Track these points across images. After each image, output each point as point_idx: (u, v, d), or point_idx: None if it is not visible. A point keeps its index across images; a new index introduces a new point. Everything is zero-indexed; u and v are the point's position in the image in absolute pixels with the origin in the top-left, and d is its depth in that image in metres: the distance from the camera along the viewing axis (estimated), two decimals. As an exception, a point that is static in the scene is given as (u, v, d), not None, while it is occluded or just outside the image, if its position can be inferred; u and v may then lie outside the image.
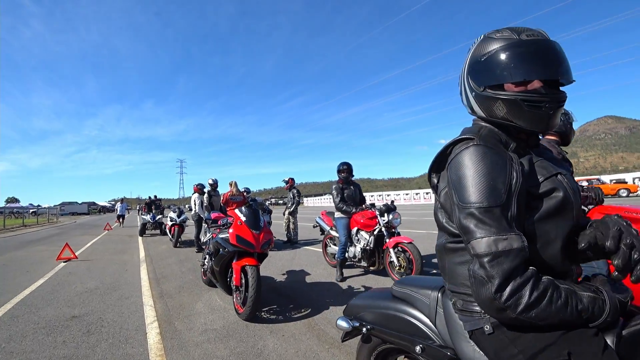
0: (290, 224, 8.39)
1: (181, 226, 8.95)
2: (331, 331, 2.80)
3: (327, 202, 49.92)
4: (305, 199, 57.85)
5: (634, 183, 21.76)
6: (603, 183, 21.89)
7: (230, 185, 7.71)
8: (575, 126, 2.50)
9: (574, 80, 0.93)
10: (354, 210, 4.61)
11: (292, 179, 8.73)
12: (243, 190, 8.37)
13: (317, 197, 59.52)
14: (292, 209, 8.42)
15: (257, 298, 3.01)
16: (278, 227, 9.70)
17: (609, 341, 0.82)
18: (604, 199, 2.53)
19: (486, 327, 0.89)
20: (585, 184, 7.94)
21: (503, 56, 0.90)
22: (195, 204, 8.00)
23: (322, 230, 5.60)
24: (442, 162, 1.00)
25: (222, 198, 7.64)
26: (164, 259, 6.98)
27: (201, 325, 3.05)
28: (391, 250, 4.16)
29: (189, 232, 9.86)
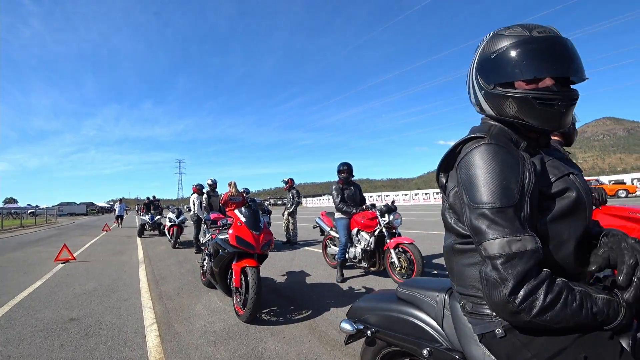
0: (290, 224, 8.35)
1: (180, 227, 8.91)
2: (333, 333, 2.77)
3: (326, 202, 49.91)
4: (304, 200, 57.80)
5: (632, 184, 21.84)
6: (602, 184, 21.93)
7: (230, 185, 7.69)
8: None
9: (587, 78, 0.91)
10: (354, 210, 4.58)
11: (292, 180, 8.70)
12: (242, 190, 8.34)
13: (316, 198, 59.52)
14: (291, 210, 8.39)
15: (257, 300, 2.98)
16: (277, 227, 9.67)
17: (624, 344, 0.80)
18: (607, 199, 2.53)
19: (498, 331, 0.87)
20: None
21: (514, 53, 0.88)
22: (194, 205, 7.97)
23: (322, 231, 5.58)
24: (451, 161, 0.98)
25: (221, 198, 7.61)
26: (162, 260, 6.94)
27: (201, 328, 3.01)
28: (392, 251, 4.13)
29: (188, 233, 9.82)
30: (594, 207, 2.27)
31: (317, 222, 5.68)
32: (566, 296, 0.76)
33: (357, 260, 4.61)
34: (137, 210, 18.61)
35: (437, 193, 33.45)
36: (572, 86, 0.91)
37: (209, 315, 3.33)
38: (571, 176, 0.90)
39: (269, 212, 8.84)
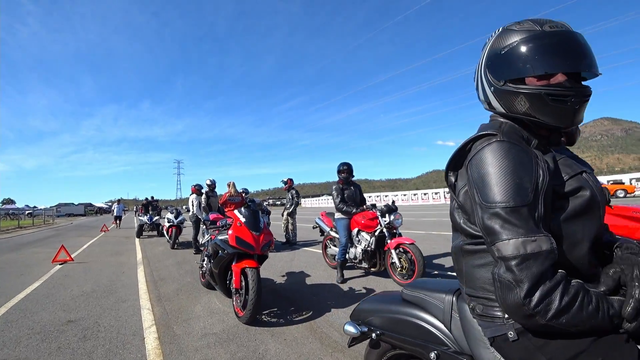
0: (289, 224, 8.32)
1: (179, 227, 8.87)
2: (334, 334, 2.74)
3: (325, 203, 49.90)
4: (303, 200, 57.76)
5: (631, 184, 21.91)
6: (602, 184, 21.98)
7: (229, 185, 7.66)
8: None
9: (600, 74, 0.89)
10: (354, 210, 4.56)
11: (291, 180, 8.68)
12: (241, 191, 8.31)
13: (315, 198, 59.50)
14: (290, 210, 8.36)
15: (257, 301, 2.94)
16: (276, 228, 9.63)
17: (640, 348, 0.78)
18: (611, 200, 2.50)
19: (510, 334, 0.84)
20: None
21: (525, 48, 0.86)
22: (193, 205, 7.94)
23: (322, 231, 5.54)
24: (460, 159, 0.95)
25: (220, 199, 7.57)
26: (161, 260, 6.89)
27: (200, 330, 2.98)
28: (393, 251, 4.10)
29: (187, 234, 9.78)
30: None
31: (316, 223, 5.65)
32: (582, 298, 0.73)
33: (357, 260, 4.58)
34: (135, 211, 18.55)
35: (435, 193, 33.50)
36: (583, 82, 0.89)
37: (209, 317, 3.29)
38: (584, 174, 0.88)
39: (268, 213, 8.81)
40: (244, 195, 8.16)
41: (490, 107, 0.99)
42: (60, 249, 7.08)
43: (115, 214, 18.82)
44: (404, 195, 37.27)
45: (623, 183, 22.22)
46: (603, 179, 23.97)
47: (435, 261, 5.37)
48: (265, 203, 18.10)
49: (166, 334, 2.92)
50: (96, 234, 14.41)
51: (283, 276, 4.95)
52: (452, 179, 0.99)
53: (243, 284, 3.12)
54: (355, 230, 4.60)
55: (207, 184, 8.12)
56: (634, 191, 21.05)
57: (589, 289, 0.77)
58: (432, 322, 1.12)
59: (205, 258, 4.24)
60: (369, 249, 4.41)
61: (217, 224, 3.81)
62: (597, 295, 0.76)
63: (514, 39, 0.88)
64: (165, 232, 9.64)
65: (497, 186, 0.79)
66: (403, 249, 4.09)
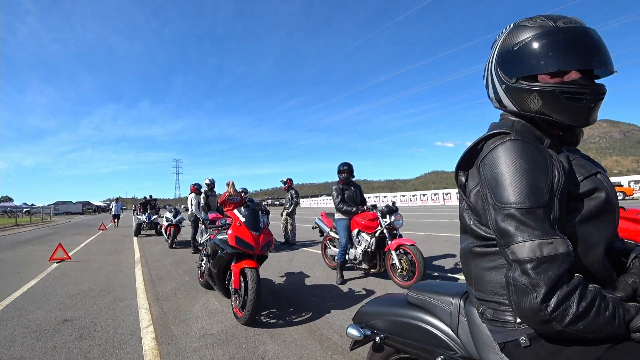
0: (288, 224, 8.29)
1: (177, 227, 8.84)
2: (334, 336, 2.70)
3: (323, 203, 49.87)
4: (301, 200, 57.65)
5: (629, 186, 21.95)
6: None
7: (228, 185, 7.62)
8: None
9: (615, 71, 0.86)
10: (354, 209, 4.53)
11: (291, 180, 8.64)
12: (240, 190, 8.27)
13: (313, 198, 59.43)
14: (290, 210, 8.32)
15: (257, 302, 2.91)
16: (275, 228, 9.59)
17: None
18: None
19: (522, 339, 0.81)
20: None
21: (540, 44, 0.83)
22: (192, 204, 7.90)
23: (322, 232, 5.51)
24: (471, 158, 0.92)
25: (219, 198, 7.53)
26: (159, 260, 6.85)
27: (198, 330, 2.94)
28: (393, 252, 4.07)
29: (185, 233, 9.74)
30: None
31: (316, 223, 5.62)
32: (599, 303, 0.71)
33: (357, 261, 4.55)
34: (133, 210, 18.49)
35: (434, 195, 33.52)
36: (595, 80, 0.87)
37: (207, 317, 3.25)
38: (599, 175, 0.85)
39: (267, 213, 8.78)
40: (243, 195, 8.13)
41: (501, 105, 0.96)
42: (58, 247, 7.03)
43: (113, 213, 18.75)
44: (403, 196, 37.26)
45: (621, 185, 22.26)
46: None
47: (435, 263, 5.34)
48: (264, 203, 18.07)
49: (164, 334, 2.88)
50: (94, 232, 14.34)
51: (282, 276, 4.92)
52: (463, 179, 0.96)
53: (242, 284, 3.08)
54: (355, 231, 4.57)
55: (206, 183, 8.08)
56: (633, 193, 21.09)
57: (606, 294, 0.74)
58: (438, 326, 1.09)
59: (204, 258, 4.20)
60: (369, 249, 4.38)
61: (217, 223, 3.77)
62: (614, 301, 0.73)
63: (527, 35, 0.86)
64: (163, 231, 9.60)
65: (511, 186, 0.76)
66: (404, 250, 4.06)
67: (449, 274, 4.60)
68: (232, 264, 3.20)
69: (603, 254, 0.82)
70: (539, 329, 0.75)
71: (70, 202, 63.03)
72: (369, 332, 1.25)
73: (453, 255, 5.79)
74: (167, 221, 9.07)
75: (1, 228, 18.39)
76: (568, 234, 0.79)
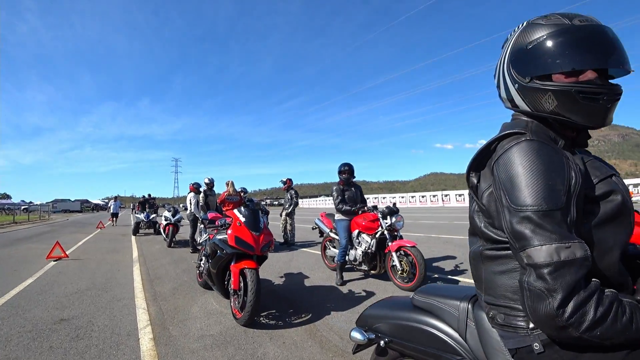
0: (288, 225, 8.26)
1: (176, 226, 8.80)
2: (334, 338, 2.68)
3: (322, 203, 49.82)
4: (300, 200, 57.61)
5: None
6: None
7: (227, 184, 7.59)
8: None
9: (632, 71, 0.84)
10: (354, 208, 4.50)
11: (290, 180, 8.62)
12: (240, 190, 8.24)
13: (312, 199, 59.36)
14: (289, 210, 8.29)
15: (256, 303, 2.87)
16: (274, 228, 9.56)
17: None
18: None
19: (535, 346, 0.78)
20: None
21: (555, 43, 0.81)
22: (191, 204, 7.87)
23: (321, 232, 5.48)
24: (484, 159, 0.89)
25: (219, 198, 7.50)
26: (158, 259, 6.81)
27: (197, 331, 2.91)
28: (394, 254, 4.04)
29: (184, 232, 9.69)
30: None
31: (316, 224, 5.59)
32: (617, 309, 0.68)
33: (357, 262, 4.52)
34: (132, 209, 18.43)
35: (433, 196, 33.52)
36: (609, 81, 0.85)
37: (206, 318, 3.22)
38: (614, 178, 0.83)
39: (267, 212, 8.75)
40: (242, 194, 8.09)
41: (513, 105, 0.94)
42: (55, 245, 6.98)
43: (111, 211, 18.69)
44: (402, 197, 37.23)
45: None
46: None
47: (435, 264, 5.32)
48: (262, 203, 18.04)
49: (162, 334, 2.85)
50: (92, 230, 14.28)
51: (281, 277, 4.89)
52: (474, 180, 0.93)
53: (242, 285, 3.05)
54: (355, 232, 4.54)
55: (205, 183, 8.04)
56: (631, 197, 21.15)
57: (622, 299, 0.71)
58: (445, 331, 1.06)
59: (203, 257, 4.17)
60: (369, 251, 4.35)
61: (216, 222, 3.74)
62: (631, 306, 0.71)
63: (542, 33, 0.83)
64: (162, 230, 9.55)
65: (527, 188, 0.73)
66: (404, 251, 4.04)
67: (450, 276, 4.57)
68: (232, 264, 3.17)
69: (618, 259, 0.79)
70: (555, 335, 0.72)
71: (69, 200, 62.91)
72: (373, 336, 1.22)
73: (453, 257, 5.77)
74: (166, 220, 9.03)
75: (-2, 225, 18.30)
76: (584, 238, 0.76)
